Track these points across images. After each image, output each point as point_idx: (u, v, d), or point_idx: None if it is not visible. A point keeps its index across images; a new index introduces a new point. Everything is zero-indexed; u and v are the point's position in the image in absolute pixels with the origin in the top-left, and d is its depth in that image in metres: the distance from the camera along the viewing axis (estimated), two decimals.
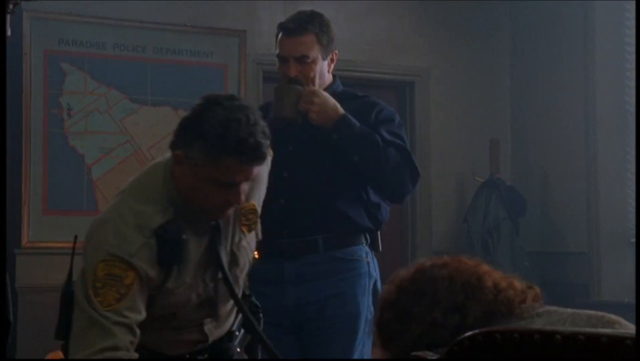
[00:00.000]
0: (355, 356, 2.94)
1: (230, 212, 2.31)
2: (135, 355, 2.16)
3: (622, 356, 1.12)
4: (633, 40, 5.04)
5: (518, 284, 1.55)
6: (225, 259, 2.33)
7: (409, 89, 5.79)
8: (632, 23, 5.05)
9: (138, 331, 2.18)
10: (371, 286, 3.00)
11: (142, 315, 2.19)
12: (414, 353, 1.31)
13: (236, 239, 2.40)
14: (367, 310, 2.97)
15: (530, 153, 5.72)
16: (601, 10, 5.16)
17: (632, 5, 5.06)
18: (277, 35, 3.00)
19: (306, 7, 5.43)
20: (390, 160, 2.92)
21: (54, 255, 4.84)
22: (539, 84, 5.61)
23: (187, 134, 2.19)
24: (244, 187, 2.24)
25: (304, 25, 2.94)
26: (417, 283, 1.61)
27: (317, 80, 2.97)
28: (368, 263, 3.01)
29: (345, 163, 2.93)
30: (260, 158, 2.20)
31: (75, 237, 2.37)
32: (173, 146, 2.22)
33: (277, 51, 2.98)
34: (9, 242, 4.00)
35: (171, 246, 2.21)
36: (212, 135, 2.13)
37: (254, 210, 2.45)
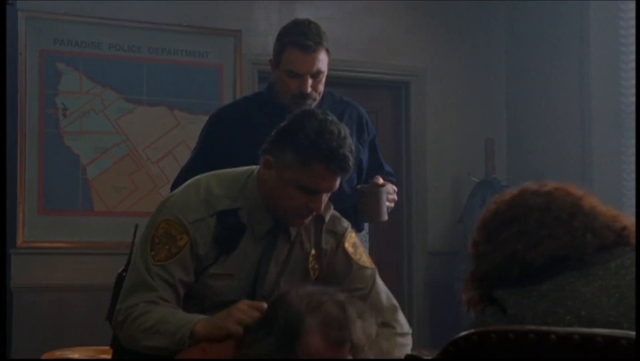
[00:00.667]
0: None
1: (307, 221, 2.42)
2: (172, 307, 2.28)
3: (617, 356, 1.12)
4: (628, 41, 5.05)
5: (616, 223, 1.56)
6: (273, 269, 2.43)
7: (405, 88, 5.80)
8: (628, 23, 5.06)
9: (182, 292, 2.32)
10: None
11: (190, 278, 2.32)
12: (407, 353, 1.31)
13: (297, 253, 2.48)
14: None
15: (526, 153, 5.72)
16: (596, 11, 5.17)
17: (627, 6, 5.07)
18: (283, 49, 2.98)
19: (302, 7, 5.46)
20: None
21: (50, 255, 4.84)
22: (535, 84, 5.61)
23: (281, 141, 2.36)
24: (325, 197, 2.39)
25: (319, 41, 2.96)
26: (513, 209, 1.64)
27: (322, 91, 3.02)
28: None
29: None
30: (346, 170, 2.36)
31: (136, 226, 2.54)
32: (264, 152, 2.38)
33: (288, 67, 2.95)
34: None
35: (228, 230, 2.36)
36: (306, 142, 2.30)
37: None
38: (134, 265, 2.34)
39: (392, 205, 2.96)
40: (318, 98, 3.02)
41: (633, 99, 4.88)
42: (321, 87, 3.01)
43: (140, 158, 5.02)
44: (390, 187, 2.95)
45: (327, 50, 3.00)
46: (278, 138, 2.38)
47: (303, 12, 5.44)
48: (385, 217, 2.94)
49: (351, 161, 2.36)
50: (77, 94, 4.91)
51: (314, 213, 2.40)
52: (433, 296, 5.73)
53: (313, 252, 2.49)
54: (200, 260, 2.35)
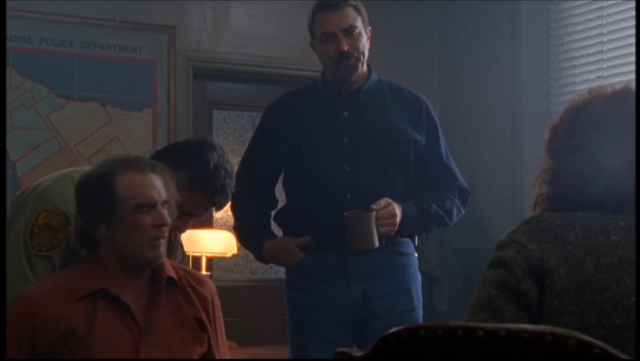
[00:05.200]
0: None
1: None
2: None
3: (542, 351, 1.15)
4: (558, 42, 5.13)
5: None
6: None
7: None
8: (558, 24, 5.15)
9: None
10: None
11: None
12: (339, 349, 1.32)
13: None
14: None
15: (457, 152, 5.77)
16: (527, 13, 5.25)
17: (557, 7, 5.16)
18: (313, 19, 2.96)
19: (237, 4, 5.44)
20: (454, 215, 3.07)
21: None
22: (467, 85, 5.68)
23: (180, 161, 2.46)
24: (193, 220, 2.56)
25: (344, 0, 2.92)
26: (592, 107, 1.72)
27: (365, 55, 2.96)
28: (416, 257, 3.07)
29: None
30: (222, 205, 2.56)
31: None
32: (157, 159, 2.43)
33: (320, 31, 2.92)
34: None
35: None
36: (203, 172, 2.43)
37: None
38: (14, 252, 2.34)
39: (387, 229, 2.85)
40: (362, 59, 2.94)
41: (562, 99, 4.97)
42: (361, 47, 2.93)
43: (72, 155, 4.95)
44: (388, 211, 2.84)
45: (357, 9, 2.95)
46: (177, 154, 2.47)
47: (238, 9, 5.43)
48: (372, 245, 2.81)
49: (229, 199, 2.54)
50: (7, 89, 4.82)
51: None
52: None
53: None
54: (76, 253, 2.37)
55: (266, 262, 3.18)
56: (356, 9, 2.95)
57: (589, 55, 4.91)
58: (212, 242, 4.49)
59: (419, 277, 3.05)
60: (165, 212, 2.27)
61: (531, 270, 1.55)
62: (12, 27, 4.85)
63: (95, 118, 5.03)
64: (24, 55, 4.90)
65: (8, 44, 4.84)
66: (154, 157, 2.50)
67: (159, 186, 2.27)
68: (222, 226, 5.50)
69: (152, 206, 2.25)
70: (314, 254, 2.91)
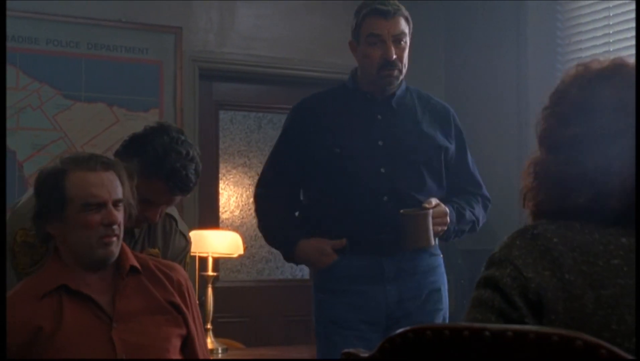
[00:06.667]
0: None
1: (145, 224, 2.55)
2: None
3: (549, 351, 1.14)
4: (565, 42, 5.12)
5: None
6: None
7: None
8: (564, 24, 5.14)
9: None
10: None
11: None
12: (345, 350, 1.32)
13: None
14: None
15: None
16: (533, 12, 5.24)
17: (564, 7, 5.15)
18: (362, 20, 2.93)
19: (243, 5, 5.44)
20: (480, 221, 3.12)
21: None
22: (473, 85, 5.67)
23: (131, 148, 2.45)
24: (163, 207, 2.50)
25: (397, 8, 2.93)
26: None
27: (406, 67, 2.98)
28: (442, 258, 3.09)
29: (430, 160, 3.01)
30: (185, 190, 2.49)
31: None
32: (117, 155, 2.46)
33: (369, 31, 2.90)
34: None
35: None
36: (151, 156, 2.39)
37: (157, 256, 2.65)
38: (11, 269, 2.39)
39: (440, 228, 2.89)
40: (404, 71, 2.96)
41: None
42: (405, 58, 2.95)
43: None
44: (440, 210, 2.88)
45: (408, 21, 2.96)
46: (130, 144, 2.46)
47: (244, 10, 5.43)
48: (429, 243, 2.85)
49: (193, 183, 2.45)
50: (14, 90, 4.83)
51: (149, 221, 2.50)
52: None
53: (156, 250, 2.55)
54: None
55: (297, 262, 3.12)
56: (407, 20, 2.97)
57: (595, 55, 4.87)
58: (218, 242, 4.49)
59: (445, 277, 3.10)
60: (115, 210, 2.27)
61: (530, 303, 1.45)
62: (18, 28, 4.86)
63: (101, 119, 5.04)
64: (30, 56, 4.91)
65: (15, 44, 4.86)
66: (116, 152, 2.51)
67: (110, 184, 2.27)
68: (229, 227, 5.51)
69: (102, 205, 2.25)
70: (348, 256, 2.92)
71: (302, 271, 5.71)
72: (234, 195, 5.65)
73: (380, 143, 2.94)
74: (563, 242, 1.48)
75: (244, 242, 5.03)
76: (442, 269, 3.07)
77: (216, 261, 4.96)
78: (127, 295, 2.31)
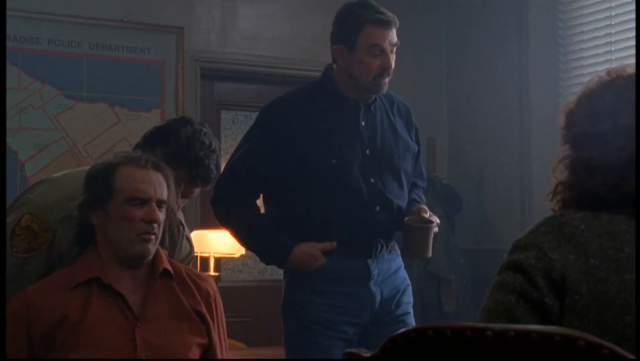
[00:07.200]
0: None
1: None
2: None
3: (551, 351, 1.14)
4: (566, 41, 5.12)
5: None
6: None
7: None
8: (566, 24, 5.14)
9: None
10: None
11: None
12: (347, 350, 1.32)
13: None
14: None
15: (466, 152, 5.78)
16: (535, 12, 5.24)
17: (566, 7, 5.15)
18: (361, 28, 2.93)
19: (245, 5, 5.44)
20: None
21: None
22: (475, 85, 5.67)
23: (154, 139, 2.47)
24: (183, 201, 2.54)
25: (394, 16, 3.02)
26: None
27: None
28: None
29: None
30: (206, 181, 2.52)
31: None
32: (137, 147, 2.48)
33: (372, 41, 2.92)
34: None
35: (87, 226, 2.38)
36: (175, 145, 2.41)
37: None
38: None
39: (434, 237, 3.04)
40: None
41: (571, 99, 4.95)
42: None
43: (81, 155, 4.96)
44: (436, 220, 3.00)
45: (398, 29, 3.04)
46: (152, 135, 2.48)
47: (246, 10, 5.43)
48: (429, 254, 2.99)
49: (214, 174, 2.49)
50: (15, 90, 4.83)
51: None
52: None
53: (165, 251, 2.55)
54: (62, 258, 2.40)
55: (286, 268, 3.04)
56: (396, 27, 3.04)
57: (597, 55, 4.90)
58: (220, 242, 4.49)
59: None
60: (157, 209, 2.30)
61: (552, 283, 1.48)
62: (20, 28, 4.86)
63: (103, 119, 5.04)
64: (32, 56, 4.91)
65: (17, 44, 4.86)
66: (137, 144, 2.53)
67: (157, 184, 2.31)
68: None
69: (146, 201, 2.29)
70: (336, 258, 2.94)
71: None
72: None
73: (367, 152, 2.96)
74: (590, 229, 1.51)
75: None
76: (403, 265, 3.14)
77: (218, 261, 4.96)
78: (156, 298, 2.34)
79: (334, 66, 3.02)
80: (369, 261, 2.96)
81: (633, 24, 4.64)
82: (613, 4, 4.82)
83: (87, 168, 2.50)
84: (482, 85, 5.60)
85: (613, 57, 4.78)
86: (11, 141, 4.81)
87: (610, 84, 1.64)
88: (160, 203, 2.31)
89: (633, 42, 4.62)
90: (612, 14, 4.83)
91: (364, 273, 2.96)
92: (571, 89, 5.05)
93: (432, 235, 2.94)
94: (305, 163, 2.93)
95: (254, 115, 5.71)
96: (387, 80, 2.97)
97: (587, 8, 5.00)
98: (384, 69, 2.93)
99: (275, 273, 5.70)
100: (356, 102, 2.99)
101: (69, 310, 2.23)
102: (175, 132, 2.42)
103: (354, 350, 1.34)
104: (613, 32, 4.82)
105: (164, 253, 2.42)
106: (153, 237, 2.31)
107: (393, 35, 2.97)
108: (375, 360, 1.28)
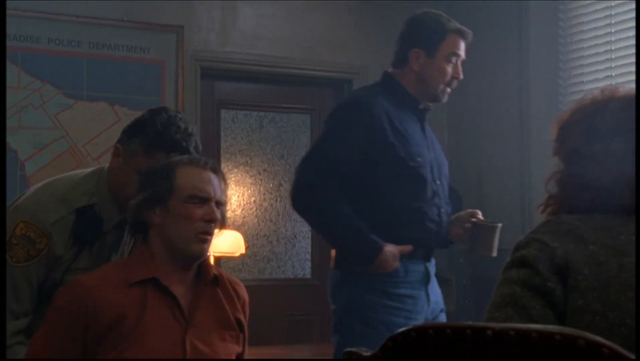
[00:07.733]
0: None
1: None
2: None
3: (551, 350, 1.14)
4: (566, 40, 5.12)
5: None
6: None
7: (347, 86, 5.81)
8: (566, 24, 5.14)
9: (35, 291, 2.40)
10: None
11: (47, 278, 2.40)
12: (347, 349, 1.32)
13: None
14: None
15: (466, 154, 5.78)
16: (535, 12, 5.24)
17: (566, 6, 5.15)
18: (444, 37, 3.09)
19: (245, 4, 5.44)
20: None
21: None
22: (475, 85, 5.66)
23: (131, 131, 2.49)
24: None
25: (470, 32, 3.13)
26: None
27: None
28: None
29: None
30: None
31: None
32: (118, 142, 2.51)
33: (452, 50, 3.09)
34: None
35: (89, 224, 2.43)
36: (152, 132, 2.41)
37: None
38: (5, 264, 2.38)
39: None
40: None
41: (570, 99, 4.96)
42: None
43: (81, 155, 4.96)
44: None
45: None
46: (129, 127, 2.50)
47: (246, 9, 5.43)
48: (494, 254, 3.04)
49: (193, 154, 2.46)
50: (15, 89, 4.83)
51: None
52: None
53: None
54: (58, 260, 2.40)
55: (372, 264, 2.94)
56: None
57: (597, 54, 4.90)
58: (220, 241, 4.49)
59: None
60: (216, 209, 2.32)
61: (555, 268, 1.55)
62: (20, 27, 4.86)
63: (103, 118, 5.04)
64: (32, 55, 4.91)
65: (17, 44, 4.86)
66: (118, 140, 2.54)
67: (216, 185, 2.34)
68: (230, 226, 5.51)
69: (205, 200, 2.31)
70: (405, 261, 2.97)
71: (304, 271, 5.71)
72: (235, 194, 5.65)
73: (432, 155, 3.07)
74: (586, 224, 1.60)
75: (246, 241, 5.04)
76: None
77: (218, 260, 4.97)
78: (204, 303, 2.34)
79: (398, 70, 3.11)
80: (427, 264, 3.04)
81: (633, 24, 4.64)
82: (613, 3, 4.82)
83: (79, 171, 2.53)
84: (482, 85, 5.60)
85: (613, 57, 4.79)
86: (11, 140, 4.81)
87: (606, 104, 1.70)
88: (218, 203, 2.33)
89: (633, 42, 4.62)
90: (612, 13, 4.83)
91: (425, 277, 3.02)
92: (571, 89, 5.06)
93: (498, 235, 3.02)
94: (394, 158, 2.96)
95: (254, 114, 5.78)
96: (449, 90, 3.10)
97: (587, 8, 5.00)
98: (454, 78, 3.09)
99: (275, 272, 5.71)
100: (423, 106, 3.11)
101: (127, 309, 2.22)
102: (151, 120, 2.44)
103: (354, 349, 1.35)
104: (613, 31, 4.82)
105: (208, 257, 2.44)
106: (210, 237, 2.32)
107: (466, 47, 3.12)
108: (375, 359, 1.28)
